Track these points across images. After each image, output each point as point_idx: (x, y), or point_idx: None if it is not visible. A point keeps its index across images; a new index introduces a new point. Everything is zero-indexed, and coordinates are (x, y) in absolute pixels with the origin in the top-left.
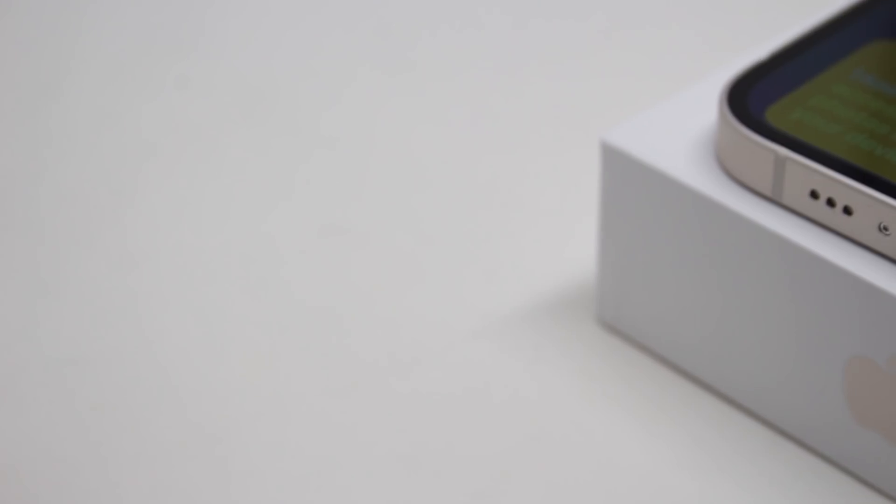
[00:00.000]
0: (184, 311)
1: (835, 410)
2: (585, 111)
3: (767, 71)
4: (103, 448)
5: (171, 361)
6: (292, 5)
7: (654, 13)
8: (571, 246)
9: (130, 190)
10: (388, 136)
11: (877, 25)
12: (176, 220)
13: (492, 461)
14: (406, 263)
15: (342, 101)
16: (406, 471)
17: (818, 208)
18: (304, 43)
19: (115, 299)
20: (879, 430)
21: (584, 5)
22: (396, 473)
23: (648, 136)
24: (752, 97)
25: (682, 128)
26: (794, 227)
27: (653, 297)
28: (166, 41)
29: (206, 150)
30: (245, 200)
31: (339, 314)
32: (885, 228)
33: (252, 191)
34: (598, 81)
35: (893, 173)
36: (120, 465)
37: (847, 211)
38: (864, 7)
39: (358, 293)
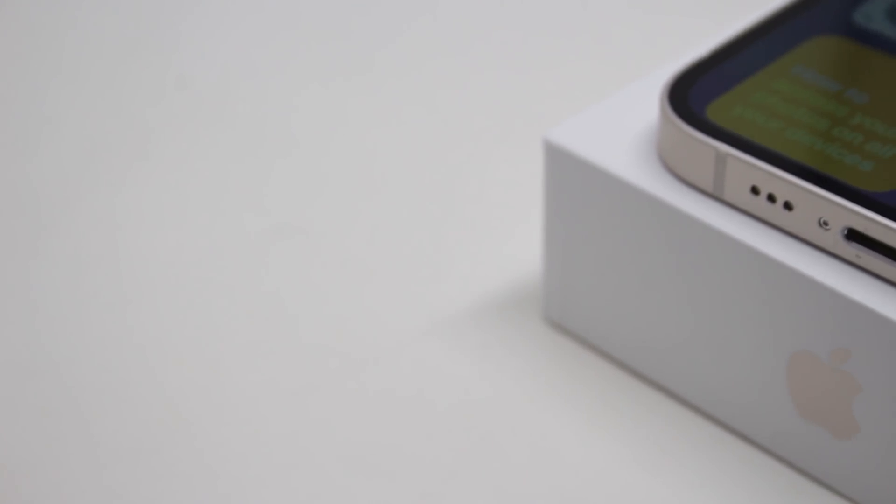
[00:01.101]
0: (136, 312)
1: (779, 405)
2: (531, 110)
3: (708, 68)
4: (55, 451)
5: (122, 364)
6: (243, 7)
7: (598, 11)
8: (518, 244)
9: (85, 191)
10: (338, 136)
11: (817, 21)
12: (130, 221)
13: (440, 461)
14: (355, 264)
15: (296, 103)
16: (355, 471)
17: (759, 204)
18: (256, 45)
19: (68, 302)
20: (823, 424)
21: (530, 4)
22: (345, 474)
23: (591, 134)
24: (693, 94)
25: (624, 125)
26: (735, 223)
27: (598, 295)
28: (126, 43)
29: (161, 151)
30: (199, 201)
31: (290, 315)
32: (826, 223)
33: (206, 191)
34: (543, 80)
35: (833, 168)
36: (72, 471)
37: (787, 206)
38: (805, 3)
39: (308, 293)
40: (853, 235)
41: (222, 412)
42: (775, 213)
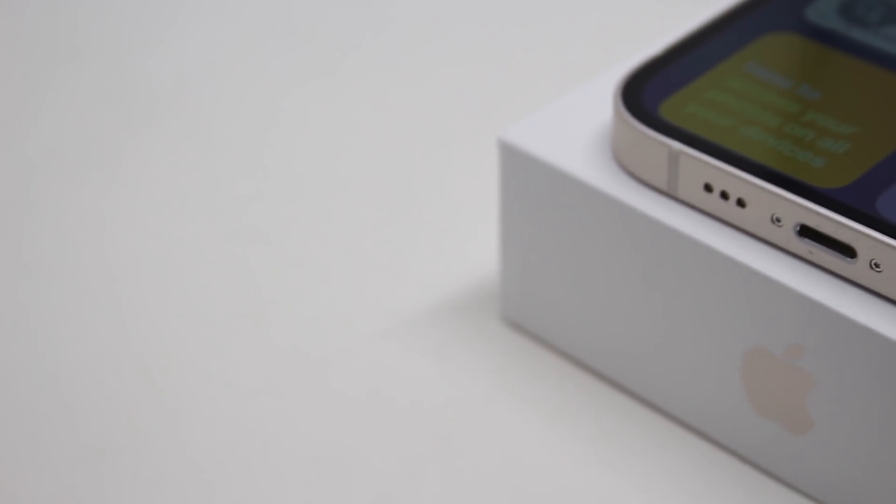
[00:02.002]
0: (90, 317)
1: (735, 402)
2: (488, 110)
3: (661, 66)
4: (3, 455)
5: (73, 367)
6: (186, 9)
7: (553, 10)
8: (476, 245)
9: (31, 197)
10: (295, 138)
11: (769, 18)
12: (77, 227)
13: (398, 461)
14: (313, 264)
15: (243, 104)
16: (313, 472)
17: (712, 201)
18: (216, 48)
19: (22, 306)
20: (779, 420)
21: (486, 4)
22: (303, 475)
23: (546, 133)
24: (646, 92)
25: (579, 125)
26: (689, 220)
27: (555, 294)
28: (62, 45)
29: (105, 155)
30: (158, 204)
31: (246, 317)
32: (778, 220)
33: (155, 195)
34: (499, 79)
35: (786, 165)
36: (13, 479)
37: (741, 203)
38: (758, 1)
39: (267, 294)
40: (806, 232)
41: (178, 414)
42: (728, 210)
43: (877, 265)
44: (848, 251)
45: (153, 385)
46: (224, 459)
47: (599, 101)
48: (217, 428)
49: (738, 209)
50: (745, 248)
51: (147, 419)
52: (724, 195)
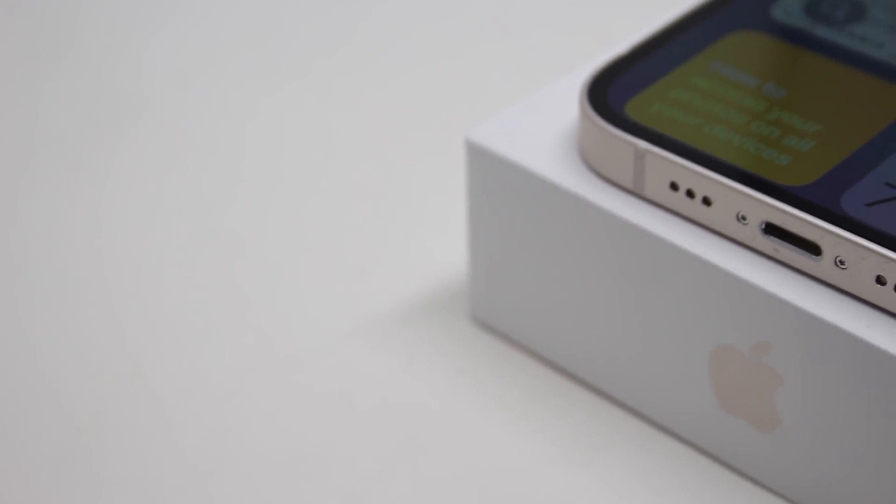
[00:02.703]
0: (58, 321)
1: (703, 400)
2: (454, 110)
3: (627, 65)
4: None
5: (38, 368)
6: (160, 14)
7: (519, 10)
8: (445, 244)
9: (1, 198)
10: (258, 139)
11: (735, 17)
12: (49, 229)
13: (366, 462)
14: (280, 265)
15: (214, 107)
16: (281, 472)
17: (678, 200)
18: (173, 50)
19: None
20: (746, 417)
21: (451, 4)
22: (271, 475)
23: (512, 133)
24: (612, 91)
25: (546, 124)
26: (655, 219)
27: (524, 294)
28: (39, 47)
29: (77, 158)
30: (118, 207)
31: (216, 317)
32: (744, 218)
33: (126, 197)
34: (465, 79)
35: (751, 163)
36: None
37: (706, 202)
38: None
39: (232, 297)
40: (771, 229)
41: (146, 414)
42: (694, 208)
43: (842, 262)
44: (813, 249)
45: (122, 386)
46: (192, 460)
47: (566, 101)
48: (185, 429)
49: (704, 207)
50: (710, 246)
51: (115, 420)
52: (690, 194)
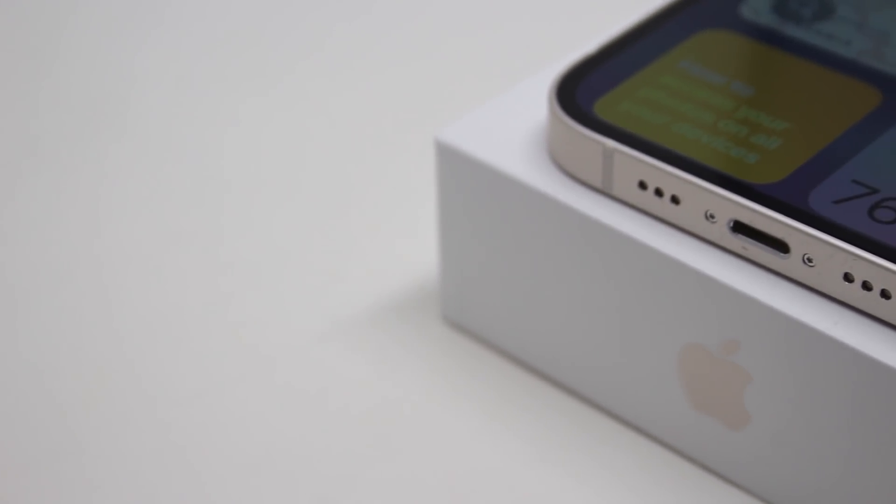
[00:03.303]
0: (23, 323)
1: (672, 398)
2: (424, 110)
3: (596, 64)
4: None
5: (18, 371)
6: (134, 16)
7: (487, 9)
8: (416, 245)
9: None
10: (230, 141)
11: (704, 16)
12: (18, 231)
13: (338, 464)
14: (251, 267)
15: (185, 108)
16: (252, 473)
17: (647, 199)
18: (146, 51)
19: None
20: (716, 415)
21: (420, 3)
22: (242, 476)
23: (482, 133)
24: (580, 90)
25: (515, 124)
26: (624, 218)
27: (495, 294)
28: (19, 49)
29: (49, 160)
30: (89, 210)
31: (188, 319)
32: (712, 216)
33: (96, 200)
34: (434, 79)
35: (719, 162)
36: None
37: (675, 200)
38: None
39: (206, 298)
40: (739, 228)
41: (117, 417)
42: (663, 207)
43: (809, 260)
44: (781, 246)
45: (92, 389)
46: (164, 461)
47: (535, 101)
48: (155, 430)
49: (673, 206)
50: (679, 244)
51: (86, 423)
52: (659, 192)
